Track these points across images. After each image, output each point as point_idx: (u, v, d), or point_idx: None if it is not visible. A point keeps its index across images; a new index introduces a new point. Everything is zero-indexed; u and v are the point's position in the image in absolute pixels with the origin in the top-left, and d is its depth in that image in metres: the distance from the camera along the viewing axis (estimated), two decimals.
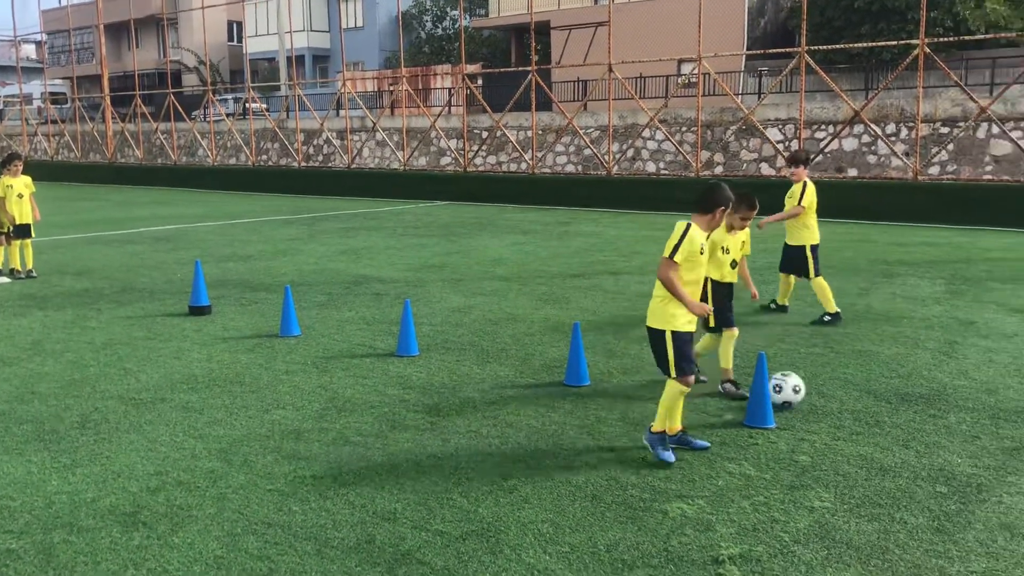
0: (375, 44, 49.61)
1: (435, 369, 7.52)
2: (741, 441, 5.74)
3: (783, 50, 25.27)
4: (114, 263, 13.85)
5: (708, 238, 5.58)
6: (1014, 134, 20.79)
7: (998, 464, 5.33)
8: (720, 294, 6.80)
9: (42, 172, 28.27)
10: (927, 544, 4.32)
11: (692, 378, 5.44)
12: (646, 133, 27.12)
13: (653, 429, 5.49)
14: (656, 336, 5.44)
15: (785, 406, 6.30)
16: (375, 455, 5.54)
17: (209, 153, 36.84)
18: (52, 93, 52.43)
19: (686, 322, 5.38)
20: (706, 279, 6.51)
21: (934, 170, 22.62)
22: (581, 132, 26.70)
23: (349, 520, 4.61)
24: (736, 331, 6.90)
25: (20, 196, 12.47)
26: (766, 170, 25.58)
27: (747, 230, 7.03)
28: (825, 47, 23.95)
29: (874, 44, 23.68)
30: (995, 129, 21.10)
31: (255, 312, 9.97)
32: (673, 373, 5.38)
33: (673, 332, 5.33)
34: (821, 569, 4.07)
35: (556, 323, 9.27)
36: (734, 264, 6.92)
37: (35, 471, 5.29)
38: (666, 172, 26.73)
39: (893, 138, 23.31)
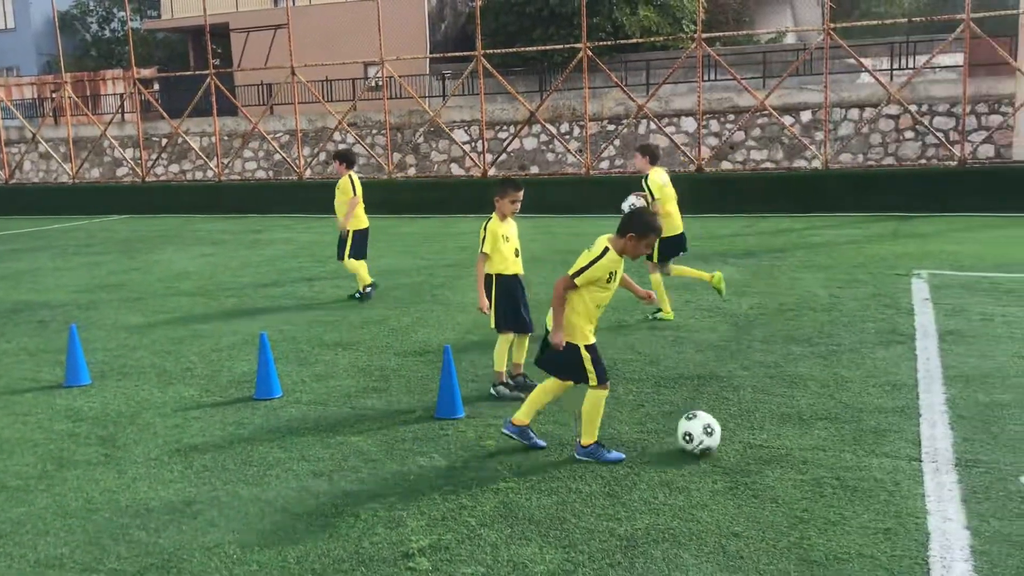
0: (31, 47, 44.94)
1: (110, 397, 6.95)
2: (432, 434, 5.87)
3: (462, 54, 26.21)
4: None
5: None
6: (668, 129, 23.11)
7: (659, 427, 5.88)
8: (506, 287, 6.59)
9: None
10: (599, 509, 4.67)
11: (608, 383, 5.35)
12: (336, 136, 26.96)
13: (584, 444, 5.29)
14: (569, 350, 5.25)
15: (706, 452, 5.31)
16: (38, 498, 5.02)
17: None
18: None
19: (592, 332, 5.30)
20: (488, 275, 6.54)
21: (604, 164, 24.57)
22: (269, 137, 25.98)
23: (5, 575, 4.14)
24: (526, 338, 6.76)
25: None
26: (456, 170, 26.41)
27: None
28: (500, 51, 25.15)
29: (543, 48, 25.24)
30: (653, 125, 23.32)
31: None
32: (594, 382, 5.26)
33: (586, 346, 5.23)
34: (505, 547, 4.27)
35: (246, 336, 8.94)
36: (517, 253, 6.74)
37: None
38: (360, 175, 26.75)
39: (568, 136, 25.01)
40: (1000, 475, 4.90)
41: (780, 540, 4.26)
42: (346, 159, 11.13)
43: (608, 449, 5.36)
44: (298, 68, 23.06)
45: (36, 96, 37.41)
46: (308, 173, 24.81)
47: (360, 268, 10.66)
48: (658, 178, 8.81)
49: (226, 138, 28.16)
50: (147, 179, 26.24)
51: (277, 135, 27.99)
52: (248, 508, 4.80)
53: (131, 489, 5.12)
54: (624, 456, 5.33)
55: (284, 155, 25.46)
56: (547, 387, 5.50)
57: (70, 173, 27.62)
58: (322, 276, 12.59)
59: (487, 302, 6.58)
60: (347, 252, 10.70)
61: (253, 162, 29.16)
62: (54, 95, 34.87)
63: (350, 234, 10.73)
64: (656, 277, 8.89)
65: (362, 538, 4.40)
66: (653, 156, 8.88)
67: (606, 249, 5.18)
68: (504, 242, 6.60)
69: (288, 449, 5.70)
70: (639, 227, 5.19)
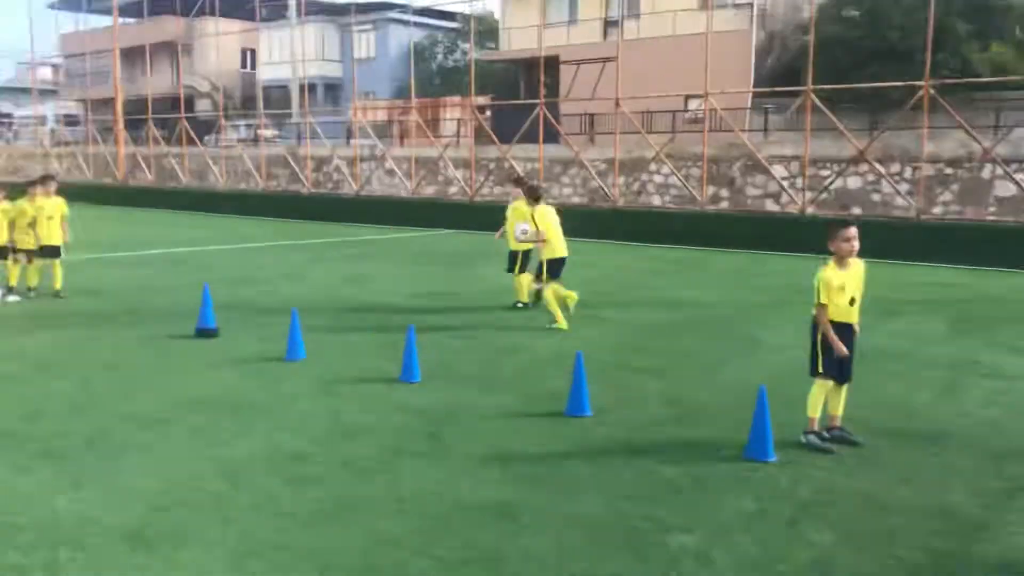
0: (386, 74, 50.11)
1: (437, 396, 7.57)
2: (741, 474, 5.77)
3: (789, 88, 25.49)
4: (125, 284, 13.95)
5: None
6: (1018, 176, 20.90)
7: (999, 504, 5.35)
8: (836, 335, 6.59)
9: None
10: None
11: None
12: (652, 167, 27.30)
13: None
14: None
15: None
16: (378, 480, 5.59)
17: (219, 177, 37.14)
18: (66, 115, 52.98)
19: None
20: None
21: (938, 210, 22.71)
22: (588, 164, 26.88)
23: (351, 545, 4.65)
24: None
25: (50, 218, 12.55)
26: (771, 205, 25.71)
27: None
28: (831, 86, 24.16)
29: (880, 84, 23.87)
30: (999, 171, 21.22)
31: (262, 336, 10.04)
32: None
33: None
34: None
35: (559, 353, 9.31)
36: (853, 301, 6.57)
37: (42, 488, 5.34)
38: (672, 205, 26.87)
39: (897, 177, 23.44)
40: None
41: None
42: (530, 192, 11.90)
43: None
44: (622, 99, 23.68)
45: (386, 118, 41.57)
46: (621, 201, 25.34)
47: (524, 282, 11.97)
48: (546, 213, 11.10)
49: (547, 163, 29.51)
50: (474, 199, 28.21)
51: (594, 163, 28.87)
52: (559, 518, 5.01)
53: (455, 484, 5.54)
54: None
55: (600, 182, 26.21)
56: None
57: (409, 189, 30.40)
58: (632, 303, 12.79)
59: (843, 347, 6.25)
60: (517, 268, 12.05)
61: (569, 188, 30.27)
62: (401, 118, 38.59)
63: (519, 254, 12.02)
64: (547, 291, 10.83)
65: (670, 567, 4.44)
66: (536, 195, 11.32)
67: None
68: (839, 292, 6.34)
69: (597, 468, 5.87)
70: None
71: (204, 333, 9.91)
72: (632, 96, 24.67)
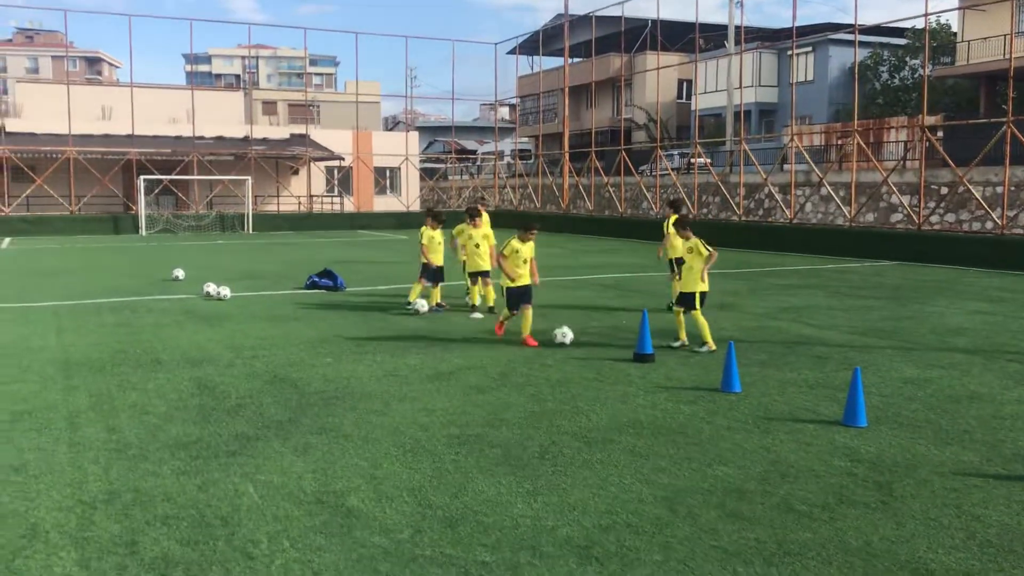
0: (824, 97, 48.29)
1: (885, 444, 7.02)
2: None
3: None
4: (567, 305, 14.99)
5: None
6: None
7: None
8: None
9: (507, 219, 31.79)
10: None
11: None
12: None
13: None
14: None
15: None
16: (822, 528, 5.31)
17: (653, 206, 38.50)
18: (520, 150, 58.75)
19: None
20: None
21: None
22: None
23: None
24: None
25: (477, 246, 14.05)
26: None
27: None
28: None
29: None
30: None
31: (696, 365, 10.15)
32: None
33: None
34: None
35: None
36: None
37: (504, 493, 5.88)
38: None
39: None
40: None
41: None
42: None
43: None
44: None
45: (823, 143, 40.01)
46: None
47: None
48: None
49: (1012, 188, 26.22)
50: (922, 227, 25.98)
51: None
52: None
53: (909, 544, 5.07)
54: None
55: None
56: None
57: (847, 216, 28.89)
58: None
59: None
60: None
61: None
62: (840, 142, 36.88)
63: None
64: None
65: None
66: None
67: None
68: None
69: None
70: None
71: (641, 358, 10.26)
72: None
